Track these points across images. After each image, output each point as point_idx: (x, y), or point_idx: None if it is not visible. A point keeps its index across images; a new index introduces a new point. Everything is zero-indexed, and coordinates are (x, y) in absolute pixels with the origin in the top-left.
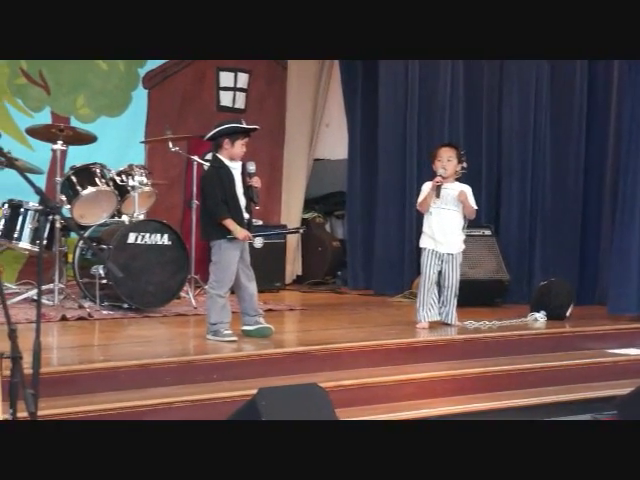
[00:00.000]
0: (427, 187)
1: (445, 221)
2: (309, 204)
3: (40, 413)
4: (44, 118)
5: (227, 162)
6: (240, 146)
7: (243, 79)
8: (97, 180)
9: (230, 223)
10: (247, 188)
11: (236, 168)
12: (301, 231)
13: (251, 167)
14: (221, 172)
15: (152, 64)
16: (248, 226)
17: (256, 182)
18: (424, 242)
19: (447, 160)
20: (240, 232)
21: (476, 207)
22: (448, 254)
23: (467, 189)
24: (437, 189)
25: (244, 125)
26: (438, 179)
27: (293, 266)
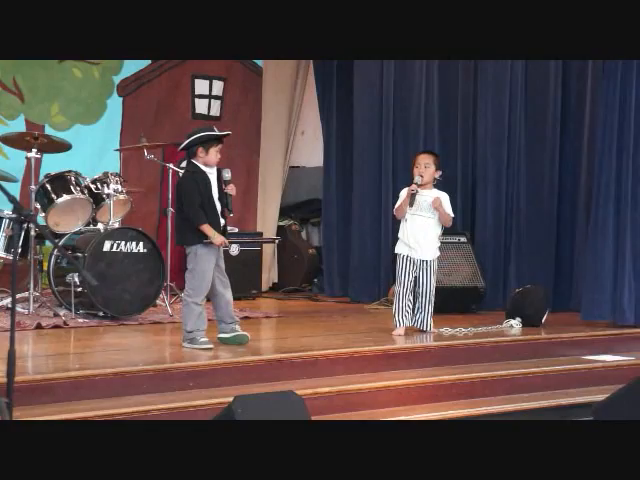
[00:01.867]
0: (404, 193)
1: (419, 228)
2: (285, 211)
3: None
4: (18, 126)
5: (203, 167)
6: (214, 153)
7: (218, 87)
8: (72, 188)
9: (208, 229)
10: (222, 195)
11: (212, 173)
12: (277, 241)
13: (227, 175)
14: (197, 177)
15: (127, 72)
16: (223, 232)
17: (231, 190)
18: (399, 248)
19: (424, 166)
20: (217, 238)
21: (452, 215)
22: (422, 260)
23: (444, 197)
24: (411, 197)
25: (216, 132)
26: (413, 187)
27: (269, 273)
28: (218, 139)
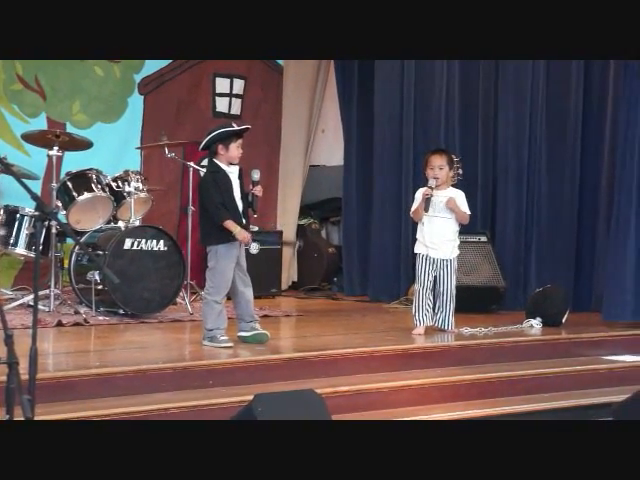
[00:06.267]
0: (420, 194)
1: (437, 229)
2: (305, 210)
3: (36, 419)
4: (40, 124)
5: (224, 166)
6: (235, 148)
7: (239, 85)
8: (93, 186)
9: (231, 224)
10: (247, 194)
11: (233, 172)
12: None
13: (255, 175)
14: (217, 176)
15: (148, 70)
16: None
17: (258, 191)
18: (418, 248)
19: (439, 169)
20: (240, 233)
21: (469, 212)
22: (442, 260)
23: (459, 195)
24: (426, 202)
25: (234, 127)
26: (427, 191)
27: (289, 272)
28: (237, 134)
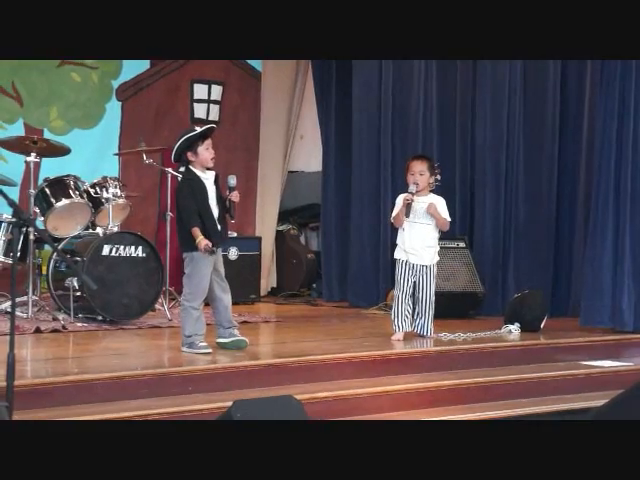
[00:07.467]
0: (401, 200)
1: (417, 235)
2: (284, 216)
3: None
4: (17, 130)
5: (199, 173)
6: (204, 151)
7: (217, 91)
8: (71, 192)
9: (195, 232)
10: (224, 200)
11: (208, 178)
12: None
13: (232, 181)
14: (192, 184)
15: (125, 76)
16: (222, 237)
17: (235, 197)
18: (398, 254)
19: (419, 174)
20: (200, 242)
21: (449, 219)
22: (422, 266)
23: (440, 201)
24: (407, 208)
25: (197, 130)
26: (408, 197)
27: (268, 278)
28: (203, 136)
